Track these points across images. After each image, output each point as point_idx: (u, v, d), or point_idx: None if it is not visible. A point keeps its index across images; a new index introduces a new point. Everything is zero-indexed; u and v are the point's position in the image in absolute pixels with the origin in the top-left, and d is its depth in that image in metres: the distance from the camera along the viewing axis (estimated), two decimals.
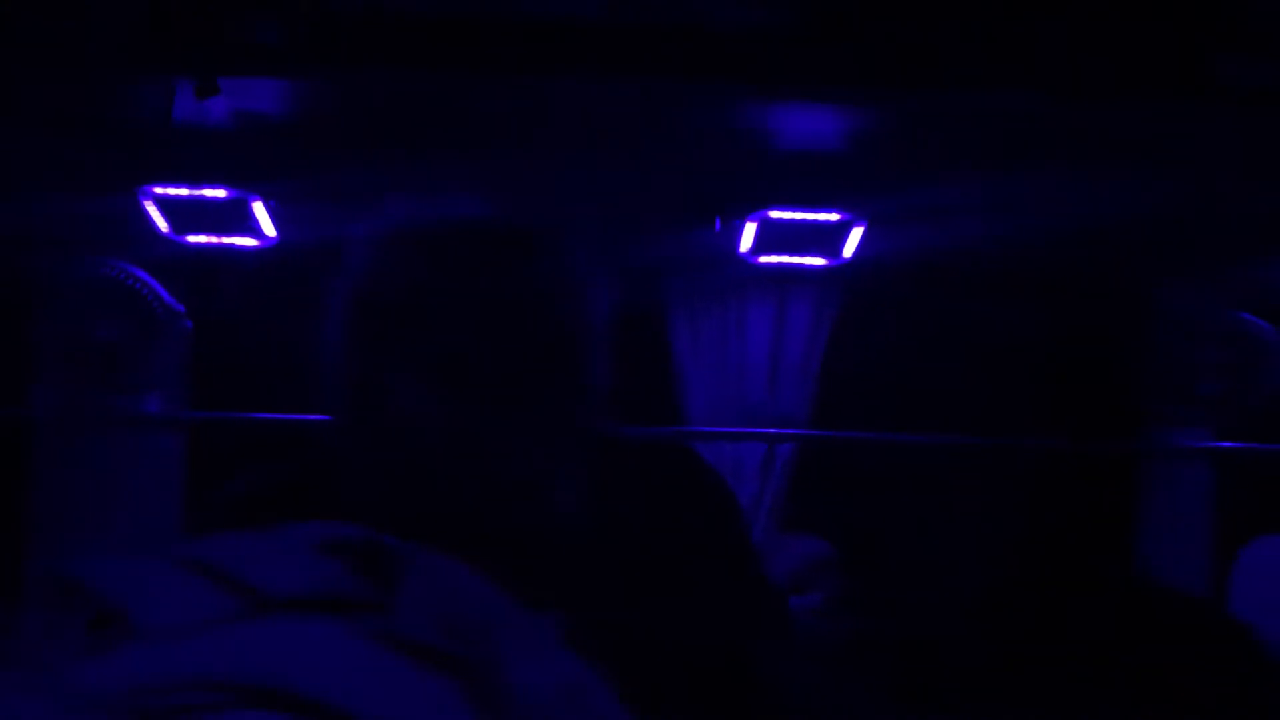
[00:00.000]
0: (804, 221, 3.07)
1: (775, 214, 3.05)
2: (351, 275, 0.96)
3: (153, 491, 3.52)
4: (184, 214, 3.14)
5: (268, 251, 3.30)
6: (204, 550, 0.72)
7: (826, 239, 3.16)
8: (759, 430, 3.59)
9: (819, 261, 3.28)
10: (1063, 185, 2.99)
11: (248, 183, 3.07)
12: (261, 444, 3.41)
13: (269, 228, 3.19)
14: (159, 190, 3.03)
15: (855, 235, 3.13)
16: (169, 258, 3.36)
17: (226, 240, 3.27)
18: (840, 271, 3.39)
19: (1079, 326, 3.50)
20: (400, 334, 0.95)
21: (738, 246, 3.23)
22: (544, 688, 0.73)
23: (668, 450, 1.28)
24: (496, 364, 0.95)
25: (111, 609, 0.70)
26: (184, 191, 3.03)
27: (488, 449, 0.93)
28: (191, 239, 3.26)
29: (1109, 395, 3.45)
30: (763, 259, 3.28)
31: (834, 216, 3.05)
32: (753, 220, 3.09)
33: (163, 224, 3.17)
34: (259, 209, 3.09)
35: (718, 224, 3.11)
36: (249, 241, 3.27)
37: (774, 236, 3.16)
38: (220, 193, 3.02)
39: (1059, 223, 3.13)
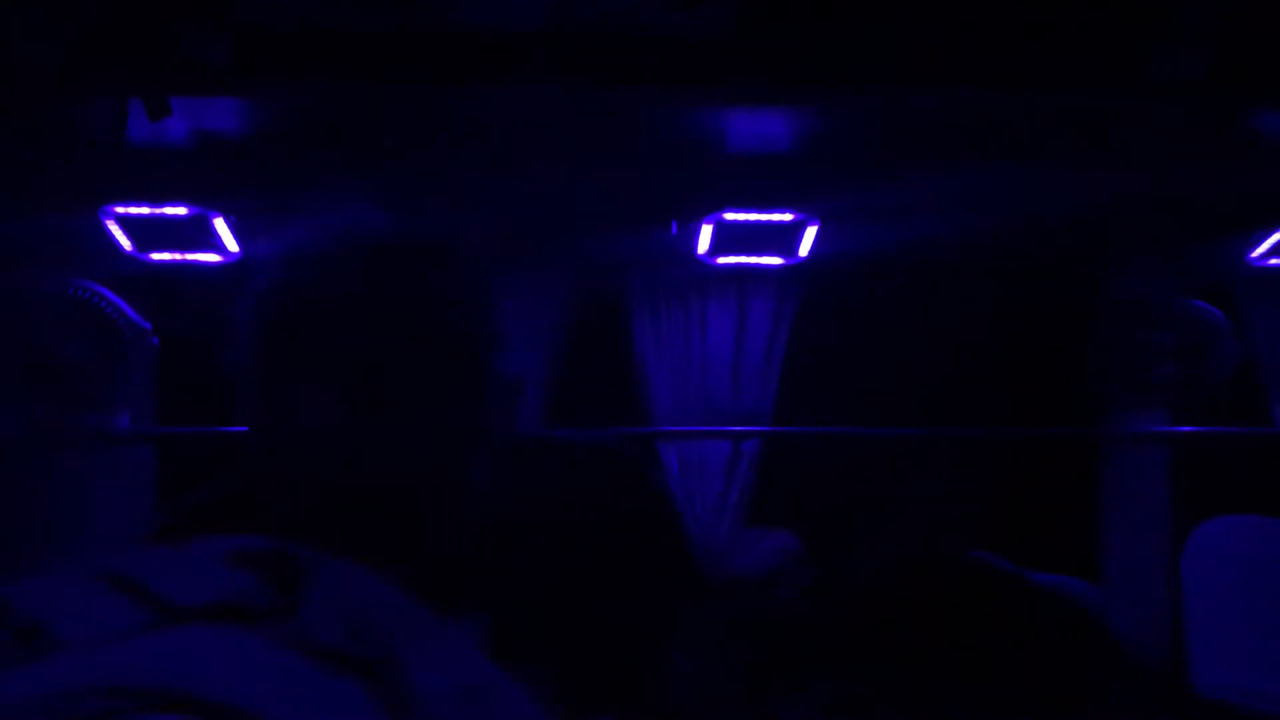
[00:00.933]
0: (759, 222, 3.12)
1: (730, 215, 3.10)
2: (254, 291, 1.00)
3: (123, 506, 3.54)
4: (146, 232, 3.17)
5: (231, 266, 3.33)
6: (118, 564, 0.76)
7: (782, 238, 3.22)
8: (724, 428, 3.64)
9: (776, 261, 3.33)
10: (1013, 177, 3.05)
11: (209, 200, 3.10)
12: (230, 457, 3.43)
13: (231, 243, 3.22)
14: (120, 209, 3.05)
15: (810, 234, 3.18)
16: (133, 275, 3.38)
17: (189, 257, 3.29)
18: (797, 270, 3.44)
19: (1033, 315, 3.56)
20: (299, 344, 0.98)
21: (695, 248, 3.28)
22: (445, 689, 0.76)
23: (592, 449, 1.32)
24: (395, 370, 0.98)
25: (31, 625, 0.74)
26: (145, 210, 3.06)
27: (389, 450, 0.96)
28: (155, 256, 3.28)
29: (1065, 382, 3.51)
30: (720, 260, 3.33)
31: (788, 217, 3.10)
32: (708, 222, 3.14)
33: (125, 242, 3.20)
34: (220, 225, 3.12)
35: (674, 227, 3.15)
36: (212, 257, 3.29)
37: (730, 237, 3.22)
38: (181, 210, 3.05)
39: (1010, 214, 3.19)
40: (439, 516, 0.93)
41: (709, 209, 3.10)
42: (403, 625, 0.78)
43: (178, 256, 3.29)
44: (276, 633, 0.73)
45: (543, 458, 1.21)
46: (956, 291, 3.52)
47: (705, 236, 3.20)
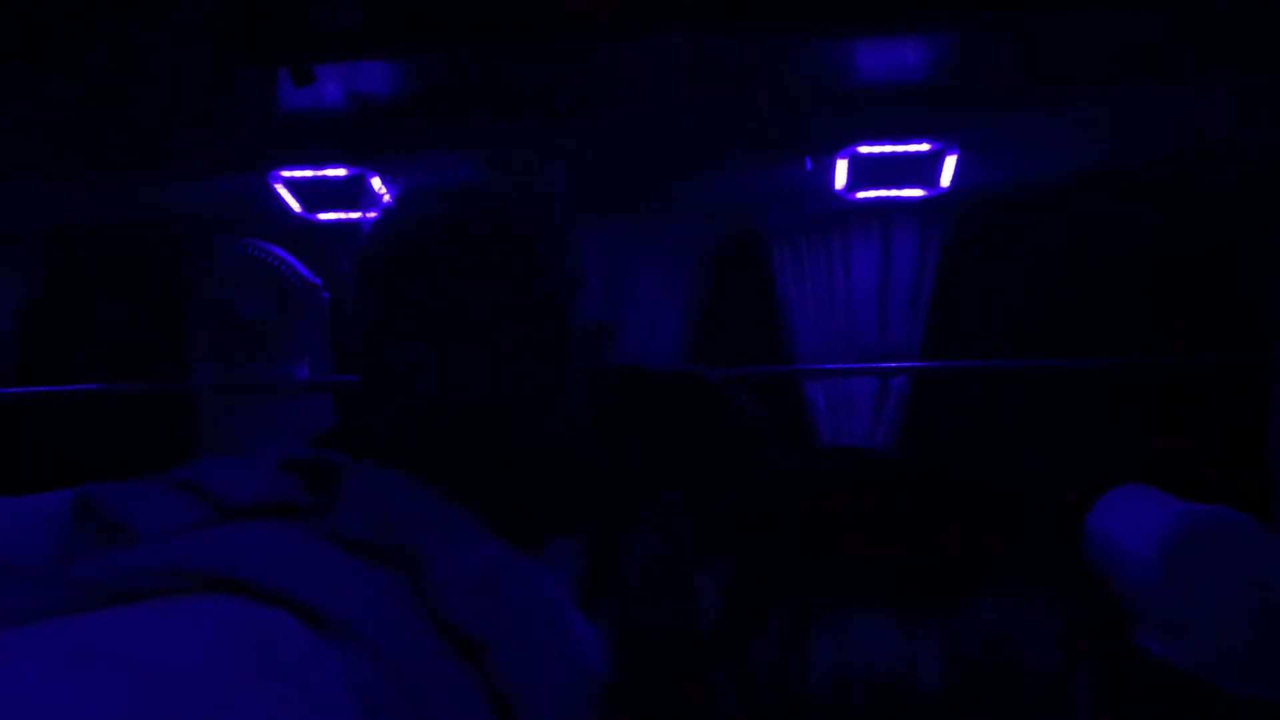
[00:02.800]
0: (895, 154, 3.08)
1: (865, 149, 3.07)
2: (357, 247, 1.10)
3: None
4: (311, 193, 3.39)
5: None
6: (188, 472, 0.88)
7: (921, 170, 3.17)
8: (870, 365, 3.62)
9: (917, 193, 3.28)
10: (1166, 98, 2.90)
11: (365, 160, 3.28)
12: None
13: (388, 198, 3.40)
14: (286, 173, 3.27)
15: (950, 164, 3.12)
16: (303, 233, 3.62)
17: (353, 215, 3.50)
18: (940, 201, 3.38)
19: (1191, 242, 3.39)
20: (394, 298, 1.07)
21: (831, 183, 3.26)
22: (462, 575, 0.85)
23: (679, 376, 1.38)
24: (479, 312, 1.06)
25: (115, 522, 0.87)
26: (308, 173, 3.26)
27: (476, 387, 1.04)
28: (321, 216, 3.51)
29: (1228, 310, 3.33)
30: (859, 194, 3.30)
31: (925, 147, 3.05)
32: (842, 157, 3.11)
33: (294, 204, 3.43)
34: (376, 183, 3.31)
35: (808, 163, 3.15)
36: (372, 215, 3.49)
37: (867, 171, 3.19)
38: (340, 171, 3.25)
39: (1165, 137, 3.04)
40: (526, 448, 1.02)
41: (842, 143, 3.08)
42: (424, 520, 0.87)
43: (342, 215, 3.51)
44: (315, 528, 0.84)
45: (632, 386, 1.27)
46: (1109, 218, 3.38)
47: (841, 171, 3.18)
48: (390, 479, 0.88)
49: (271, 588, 0.79)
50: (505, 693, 0.81)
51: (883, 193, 3.28)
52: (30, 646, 0.67)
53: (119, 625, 0.72)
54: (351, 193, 3.39)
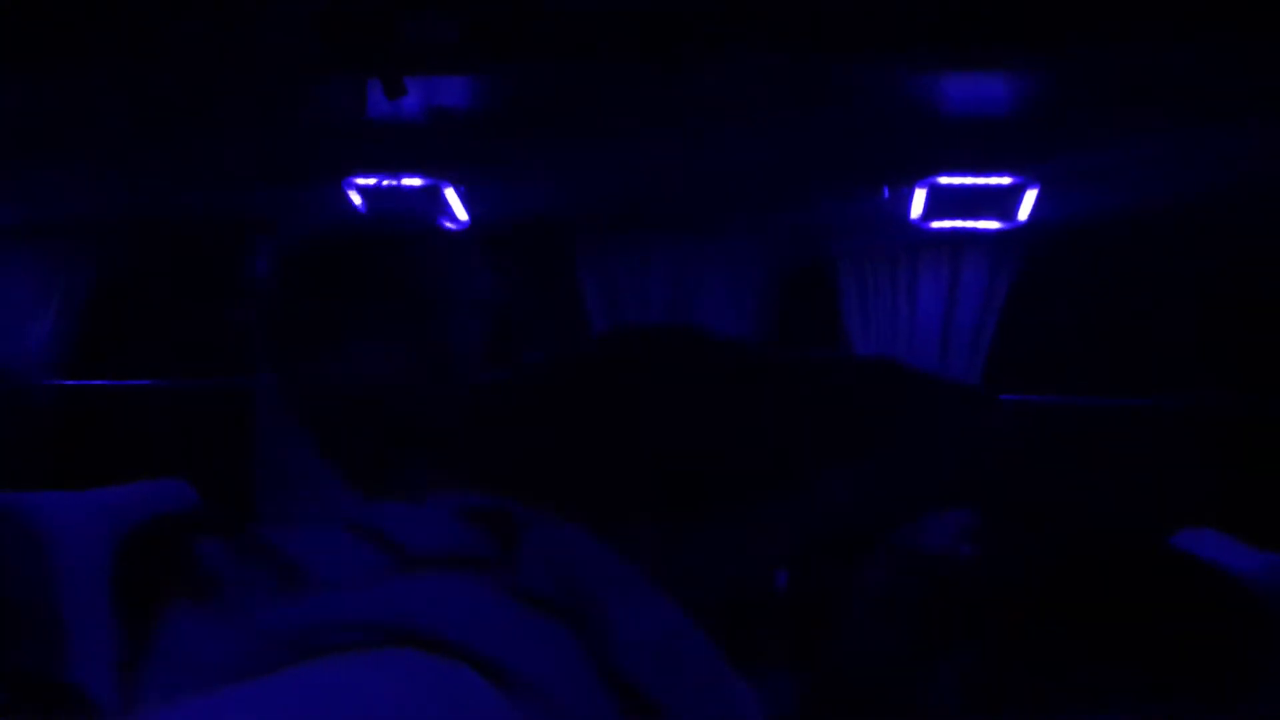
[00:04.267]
0: (975, 186, 3.06)
1: (944, 179, 3.05)
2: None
3: None
4: (383, 201, 3.40)
5: (461, 233, 3.53)
6: (364, 517, 0.87)
7: (999, 202, 3.14)
8: None
9: (993, 225, 3.25)
10: (1248, 137, 2.87)
11: (441, 171, 3.29)
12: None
13: (461, 211, 3.41)
14: (360, 180, 3.28)
15: (1030, 197, 3.09)
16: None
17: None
18: (1015, 235, 3.35)
19: (1268, 285, 3.34)
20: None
21: (907, 212, 3.24)
22: (642, 638, 0.84)
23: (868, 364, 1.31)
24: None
25: (291, 565, 0.86)
26: (385, 181, 3.27)
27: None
28: None
29: None
30: (934, 224, 3.28)
31: (1006, 180, 3.03)
32: (921, 186, 3.09)
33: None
34: (451, 195, 3.31)
35: (885, 192, 3.13)
36: (445, 224, 3.50)
37: (945, 201, 3.16)
38: (416, 181, 3.25)
39: (1248, 175, 3.00)
40: None
41: (923, 172, 3.05)
42: (606, 579, 0.86)
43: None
44: (498, 582, 0.83)
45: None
46: (1187, 257, 3.33)
47: (919, 200, 3.16)
48: (570, 534, 0.87)
49: (460, 643, 0.78)
50: None
51: (958, 224, 3.25)
52: (252, 708, 0.66)
53: (326, 683, 0.71)
54: (425, 202, 3.39)
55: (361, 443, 1.07)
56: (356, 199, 3.37)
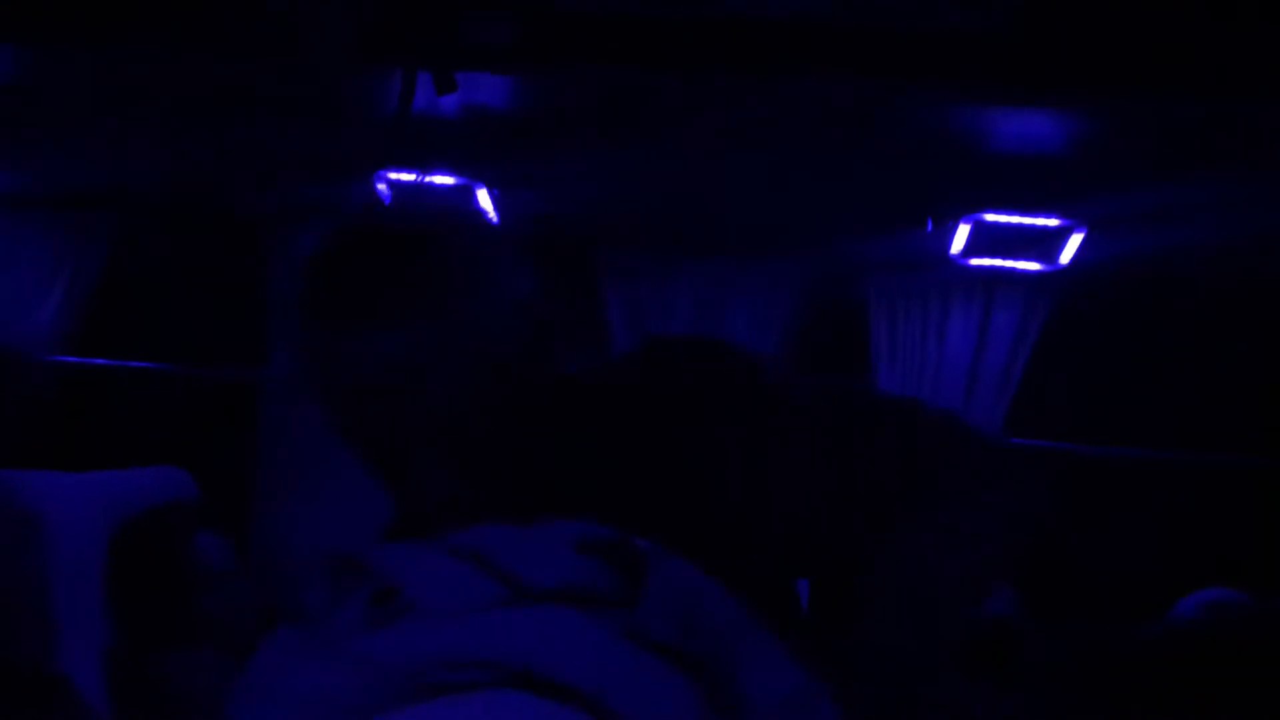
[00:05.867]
0: (1020, 225, 3.00)
1: (990, 217, 3.00)
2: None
3: None
4: (413, 198, 3.32)
5: (498, 228, 3.46)
6: (472, 540, 0.80)
7: (1043, 244, 3.09)
8: None
9: (1033, 266, 3.20)
10: None
11: (474, 170, 3.22)
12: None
13: (491, 214, 3.34)
14: (392, 175, 3.21)
15: (1074, 241, 3.04)
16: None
17: None
18: (1052, 278, 3.29)
19: None
20: None
21: (949, 248, 3.18)
22: (772, 695, 0.77)
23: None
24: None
25: (390, 588, 0.78)
26: (414, 177, 3.20)
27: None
28: None
29: None
30: (974, 261, 3.22)
31: (1053, 221, 2.97)
32: (966, 222, 3.04)
33: None
34: (483, 196, 3.24)
35: (929, 225, 3.07)
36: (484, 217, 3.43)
37: (988, 239, 3.11)
38: (448, 179, 3.18)
39: None
40: None
41: (968, 209, 3.00)
42: (733, 627, 0.78)
43: None
44: (618, 623, 0.75)
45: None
46: (1225, 315, 3.29)
47: (961, 236, 3.11)
48: (693, 576, 0.80)
49: (580, 689, 0.71)
50: None
51: (998, 262, 3.20)
52: None
53: None
54: (455, 201, 3.32)
55: (384, 434, 1.00)
56: (386, 193, 3.30)
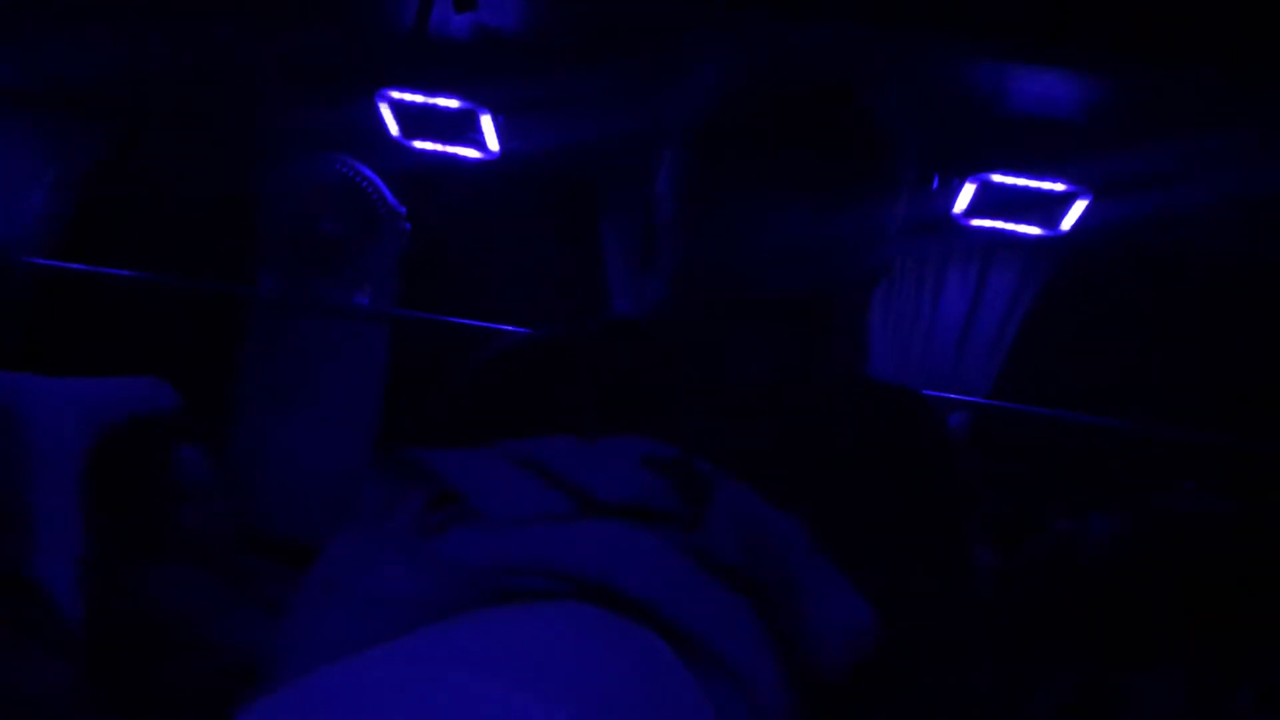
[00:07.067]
0: (1027, 189, 2.99)
1: (997, 177, 2.98)
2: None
3: (353, 378, 3.72)
4: (415, 120, 3.26)
5: (489, 164, 3.41)
6: (534, 450, 0.79)
7: (1047, 209, 3.08)
8: (935, 394, 3.54)
9: (1034, 231, 3.20)
10: None
11: (480, 95, 3.16)
12: (461, 346, 3.55)
13: (493, 141, 3.29)
14: (395, 94, 3.14)
15: (1078, 208, 3.04)
16: (398, 161, 3.49)
17: (451, 149, 3.38)
18: (1054, 244, 3.29)
19: None
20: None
21: (951, 207, 3.17)
22: (835, 626, 0.76)
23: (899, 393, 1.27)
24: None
25: (451, 493, 0.77)
26: (419, 98, 3.13)
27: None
28: (419, 144, 3.38)
29: None
30: (975, 222, 3.21)
31: (1059, 186, 2.96)
32: (972, 182, 3.02)
33: (394, 127, 3.30)
34: (486, 122, 3.19)
35: (935, 181, 3.05)
36: (472, 153, 3.37)
37: (991, 201, 3.10)
38: (453, 103, 3.12)
39: None
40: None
41: (975, 168, 2.98)
42: (795, 556, 0.78)
43: (440, 147, 3.38)
44: (683, 541, 0.75)
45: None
46: (1222, 292, 3.31)
47: (965, 196, 3.09)
48: (758, 502, 0.79)
49: (649, 604, 0.70)
50: None
51: (1000, 224, 3.19)
52: (443, 652, 0.57)
53: (513, 634, 0.62)
54: (457, 126, 3.27)
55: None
56: (388, 114, 3.23)
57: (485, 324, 3.51)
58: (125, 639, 2.44)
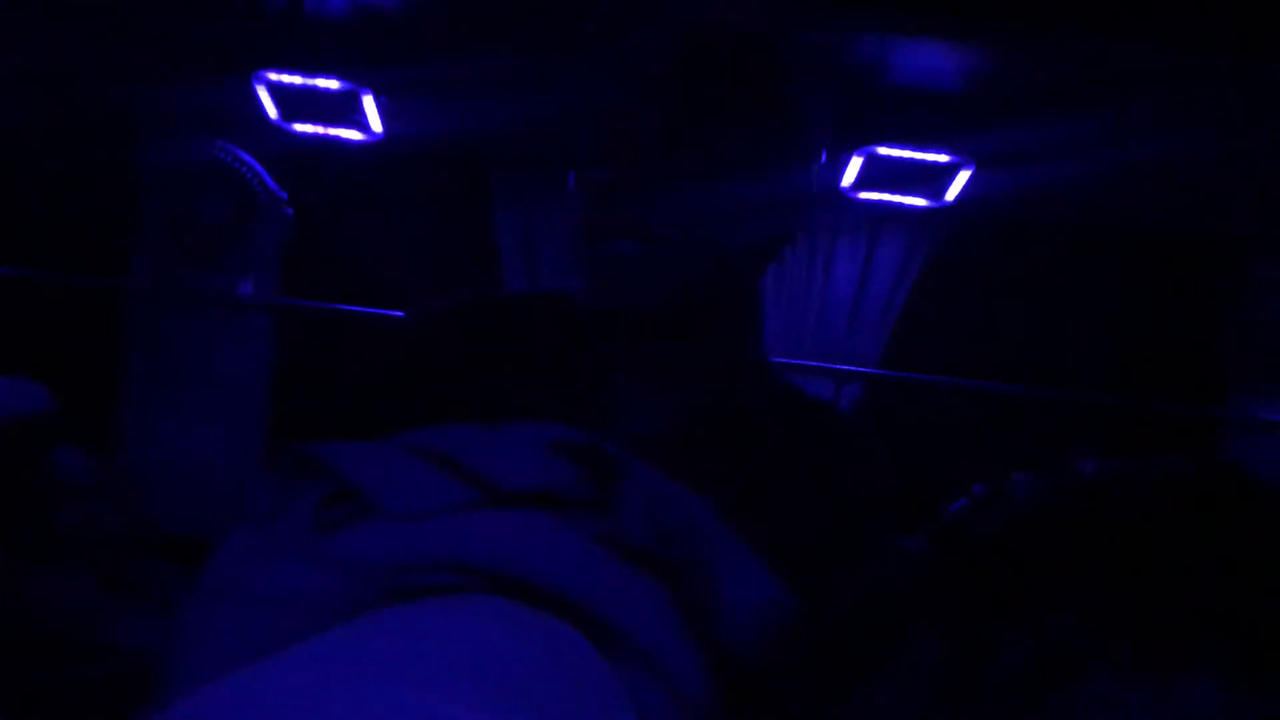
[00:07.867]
0: (912, 160, 3.04)
1: (883, 150, 3.02)
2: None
3: (238, 369, 3.62)
4: (294, 102, 3.17)
5: (372, 146, 3.33)
6: (436, 440, 0.76)
7: (931, 180, 3.13)
8: (829, 366, 3.59)
9: (920, 202, 3.25)
10: (1183, 147, 2.93)
11: (361, 76, 3.08)
12: (344, 334, 3.47)
13: (376, 123, 3.21)
14: (272, 76, 3.05)
15: (962, 178, 3.10)
16: (277, 145, 3.39)
17: (333, 131, 3.29)
18: (937, 214, 3.35)
19: (1173, 288, 3.45)
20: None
21: (839, 181, 3.21)
22: (749, 603, 0.76)
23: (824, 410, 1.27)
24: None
25: (349, 488, 0.74)
26: (297, 80, 3.04)
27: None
28: (298, 127, 3.28)
29: (1193, 360, 3.41)
30: (863, 195, 3.26)
31: (944, 158, 3.02)
32: (859, 155, 3.06)
33: (272, 110, 3.20)
34: (369, 103, 3.11)
35: (824, 156, 3.07)
36: (354, 135, 3.29)
37: (878, 173, 3.14)
38: (333, 84, 3.04)
39: (1172, 186, 3.07)
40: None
41: (861, 141, 3.02)
42: (708, 538, 0.77)
43: (320, 130, 3.29)
44: (592, 527, 0.73)
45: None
46: (1098, 256, 3.42)
47: (852, 169, 3.13)
48: (667, 484, 0.78)
49: (557, 592, 0.69)
50: None
51: (886, 197, 3.24)
52: (351, 653, 0.55)
53: (421, 630, 0.60)
54: (338, 108, 3.18)
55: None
56: (266, 97, 3.13)
57: (371, 310, 3.44)
58: (7, 643, 2.35)
